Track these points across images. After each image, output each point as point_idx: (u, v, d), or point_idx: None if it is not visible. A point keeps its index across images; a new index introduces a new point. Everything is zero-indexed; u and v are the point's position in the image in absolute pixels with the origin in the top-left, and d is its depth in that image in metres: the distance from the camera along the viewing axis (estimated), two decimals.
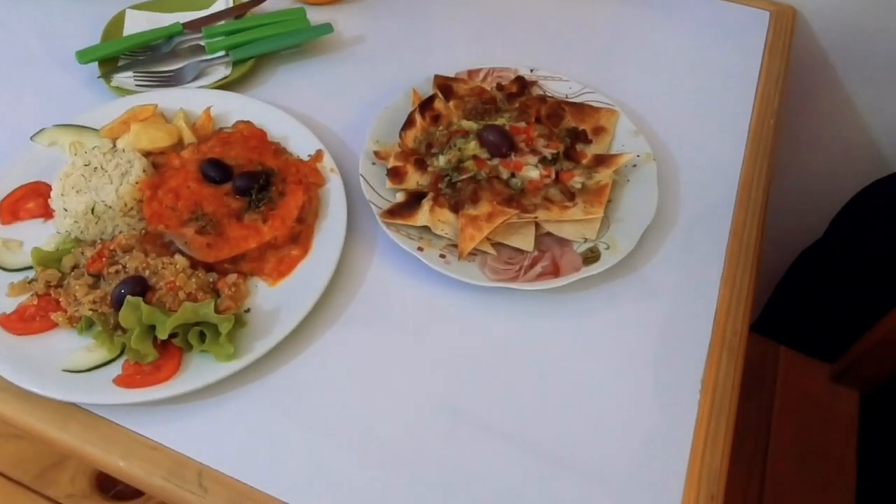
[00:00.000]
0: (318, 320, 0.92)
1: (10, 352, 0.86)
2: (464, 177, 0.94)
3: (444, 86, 1.10)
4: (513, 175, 0.96)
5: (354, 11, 1.32)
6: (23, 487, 1.39)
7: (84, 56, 1.17)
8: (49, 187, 1.01)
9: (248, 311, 0.92)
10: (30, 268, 0.94)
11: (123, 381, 0.84)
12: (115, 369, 0.86)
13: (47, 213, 1.00)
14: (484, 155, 0.95)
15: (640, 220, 0.96)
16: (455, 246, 0.92)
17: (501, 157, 0.95)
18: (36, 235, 0.98)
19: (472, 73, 1.14)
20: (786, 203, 1.66)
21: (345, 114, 1.15)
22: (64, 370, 0.86)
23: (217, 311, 0.87)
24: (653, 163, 1.01)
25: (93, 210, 0.94)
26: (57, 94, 1.18)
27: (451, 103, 1.08)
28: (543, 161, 0.98)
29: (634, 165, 1.02)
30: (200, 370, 0.86)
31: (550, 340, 0.90)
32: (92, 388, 0.84)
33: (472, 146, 0.97)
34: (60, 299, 0.90)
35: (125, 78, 1.16)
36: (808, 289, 1.67)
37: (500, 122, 1.02)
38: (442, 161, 0.96)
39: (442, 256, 0.94)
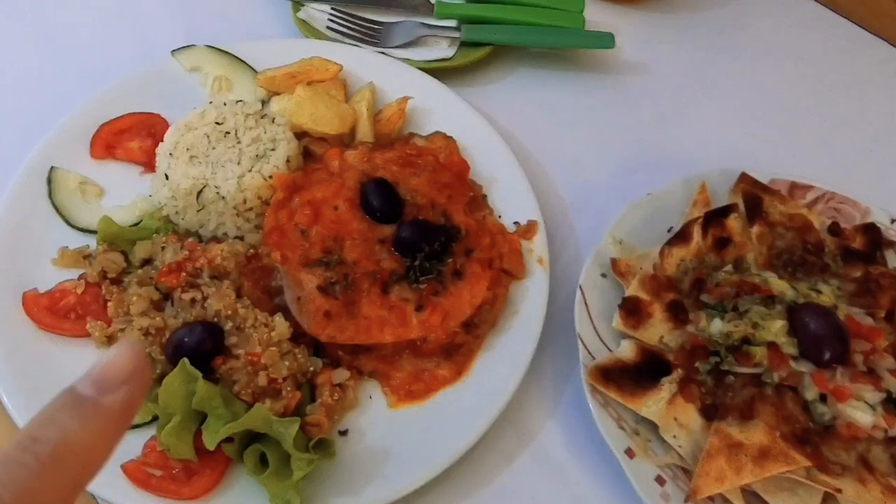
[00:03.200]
0: (439, 487, 0.63)
1: (19, 358, 0.64)
2: (742, 370, 0.62)
3: (752, 197, 0.76)
4: (823, 399, 0.61)
5: (647, 24, 0.98)
6: None
7: None
8: (165, 126, 0.78)
9: (344, 433, 0.64)
10: (95, 231, 0.72)
11: (135, 472, 0.60)
12: (136, 441, 0.62)
13: (150, 164, 0.76)
14: (789, 349, 0.63)
15: None
16: (685, 471, 0.63)
17: (818, 364, 0.61)
18: (123, 189, 0.76)
19: (795, 189, 0.79)
20: None
21: (587, 170, 0.84)
22: None
23: (302, 423, 0.59)
24: None
25: (199, 194, 0.70)
26: (230, 8, 0.94)
27: (755, 229, 0.74)
28: (887, 401, 0.61)
29: None
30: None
31: None
32: None
33: (777, 328, 0.64)
34: (110, 301, 0.66)
35: (318, 12, 0.91)
36: None
37: (825, 298, 0.67)
38: (716, 327, 0.64)
39: (659, 481, 0.62)
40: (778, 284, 0.68)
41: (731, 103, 0.91)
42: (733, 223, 0.74)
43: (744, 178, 0.77)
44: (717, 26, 0.99)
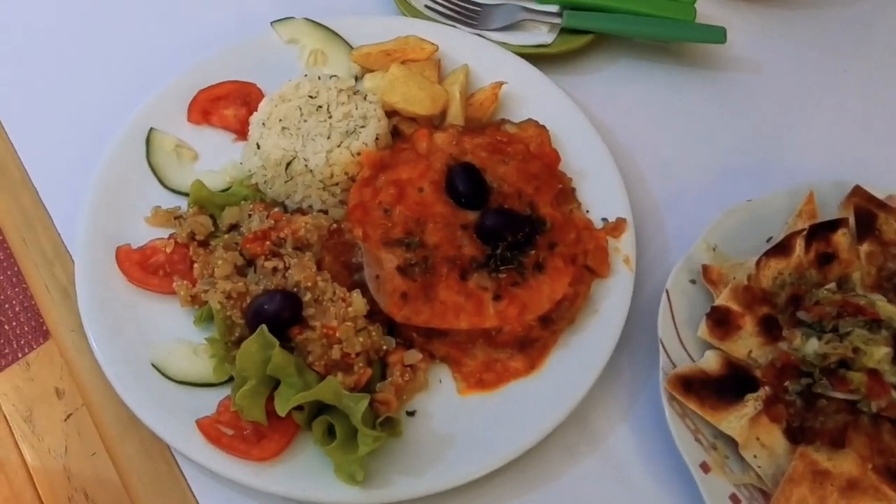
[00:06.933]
0: (502, 476, 0.65)
1: (110, 309, 0.70)
2: (837, 395, 0.60)
3: (865, 213, 0.74)
4: None
5: (762, 19, 0.96)
6: None
7: None
8: (260, 96, 0.83)
9: (412, 414, 0.67)
10: (187, 194, 0.77)
11: (208, 429, 0.64)
12: (211, 399, 0.66)
13: (243, 132, 0.81)
14: (893, 378, 0.61)
15: None
16: (763, 493, 0.63)
17: None
18: (216, 154, 0.81)
19: None
20: None
21: (684, 170, 0.83)
22: (153, 364, 0.68)
23: (371, 400, 0.62)
24: None
25: (288, 165, 0.73)
26: None
27: (865, 247, 0.72)
28: None
29: None
30: (307, 472, 0.63)
31: None
32: (170, 415, 0.65)
33: (881, 355, 0.62)
34: (196, 262, 0.71)
35: None
36: None
37: None
38: (812, 347, 0.64)
39: (733, 500, 0.63)
40: (886, 308, 0.66)
41: (849, 110, 0.88)
42: (841, 239, 0.72)
43: (857, 191, 0.75)
44: (838, 26, 0.95)
